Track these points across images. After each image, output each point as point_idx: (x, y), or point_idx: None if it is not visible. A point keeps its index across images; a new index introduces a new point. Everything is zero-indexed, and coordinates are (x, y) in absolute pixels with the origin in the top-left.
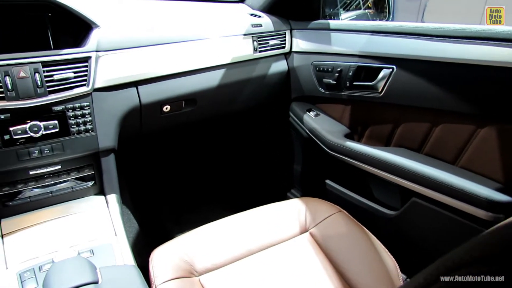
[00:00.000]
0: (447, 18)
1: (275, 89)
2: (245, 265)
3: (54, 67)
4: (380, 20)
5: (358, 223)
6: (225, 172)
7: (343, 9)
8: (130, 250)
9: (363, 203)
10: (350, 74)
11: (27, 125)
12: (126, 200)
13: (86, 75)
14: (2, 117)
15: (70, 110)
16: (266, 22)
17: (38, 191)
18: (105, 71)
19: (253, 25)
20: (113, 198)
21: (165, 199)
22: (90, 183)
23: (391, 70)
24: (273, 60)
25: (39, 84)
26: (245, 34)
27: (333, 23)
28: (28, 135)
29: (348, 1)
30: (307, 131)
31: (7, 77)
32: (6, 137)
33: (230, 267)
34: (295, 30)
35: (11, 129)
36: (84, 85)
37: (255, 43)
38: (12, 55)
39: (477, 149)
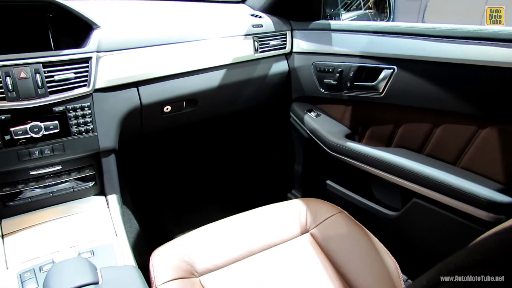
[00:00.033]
0: (448, 18)
1: (276, 90)
2: (246, 266)
3: (54, 68)
4: (381, 20)
5: (359, 223)
6: (225, 172)
7: (344, 10)
8: (131, 251)
9: (364, 203)
10: (351, 74)
11: (28, 126)
12: (127, 201)
13: (86, 76)
14: (3, 117)
15: (71, 111)
16: (267, 22)
17: (38, 191)
18: (106, 72)
19: (254, 26)
20: (113, 199)
21: (165, 200)
22: (91, 184)
23: (392, 70)
24: (274, 60)
25: (40, 84)
26: (245, 35)
27: (334, 23)
28: (29, 136)
29: (349, 2)
30: (308, 131)
31: (8, 78)
32: (7, 137)
33: (230, 267)
34: (296, 31)
35: (11, 129)
36: (84, 85)
37: (255, 43)
38: (12, 55)
39: (478, 149)
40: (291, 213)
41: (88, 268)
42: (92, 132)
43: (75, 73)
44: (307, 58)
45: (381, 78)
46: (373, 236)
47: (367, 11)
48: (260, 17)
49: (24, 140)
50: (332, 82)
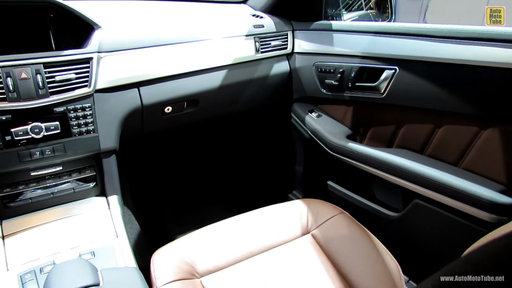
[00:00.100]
0: (449, 19)
1: (277, 90)
2: (247, 267)
3: (55, 68)
4: (382, 20)
5: (360, 224)
6: (226, 173)
7: (345, 10)
8: (132, 252)
9: (365, 204)
10: (352, 75)
11: (29, 126)
12: (128, 201)
13: (87, 76)
14: (4, 118)
15: (72, 111)
16: (268, 23)
17: (39, 192)
18: (107, 72)
19: (255, 26)
20: (114, 199)
21: (166, 200)
22: (92, 184)
23: (393, 71)
24: (275, 61)
25: (41, 85)
26: (247, 35)
27: (335, 24)
28: (30, 136)
29: (350, 2)
30: (309, 132)
31: (9, 78)
32: (8, 138)
33: (231, 268)
34: (297, 31)
35: (12, 130)
36: (85, 86)
37: (257, 44)
38: (13, 56)
39: (480, 150)
40: (292, 214)
41: (88, 270)
42: (93, 132)
43: (76, 73)
44: (309, 58)
45: (383, 79)
46: (375, 237)
47: (368, 11)
48: (262, 17)
49: (25, 141)
50: (334, 82)
